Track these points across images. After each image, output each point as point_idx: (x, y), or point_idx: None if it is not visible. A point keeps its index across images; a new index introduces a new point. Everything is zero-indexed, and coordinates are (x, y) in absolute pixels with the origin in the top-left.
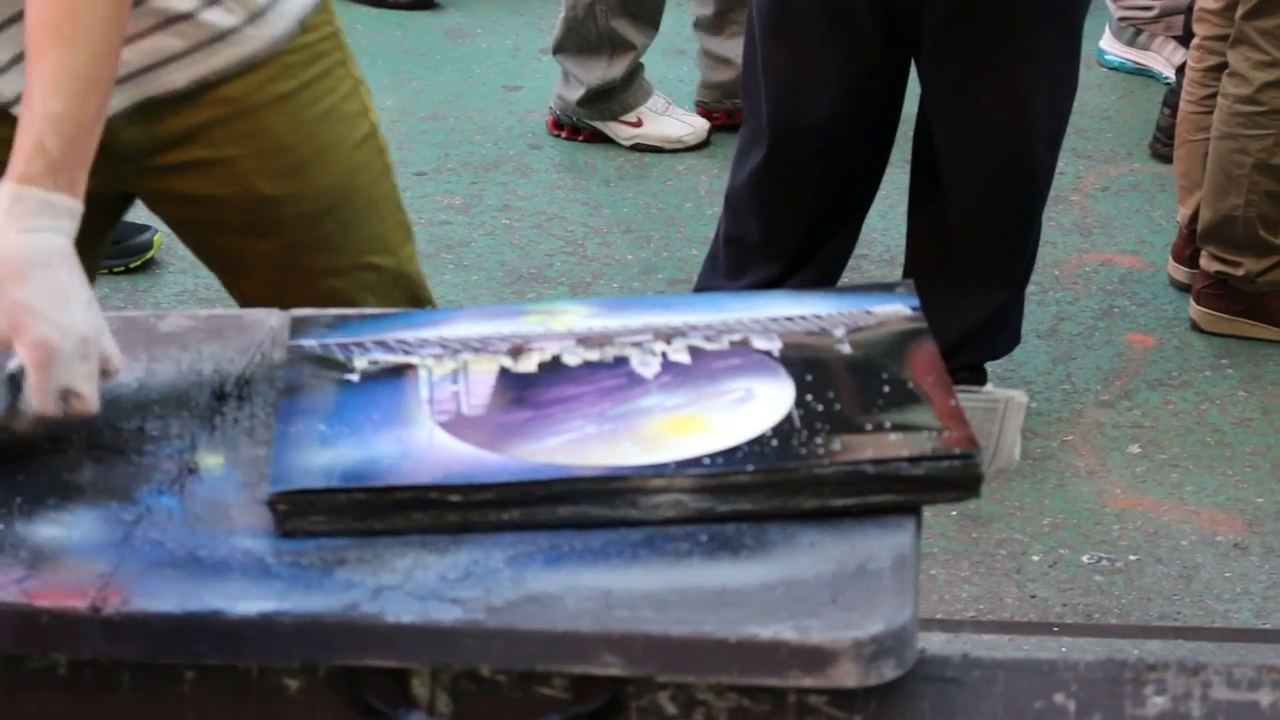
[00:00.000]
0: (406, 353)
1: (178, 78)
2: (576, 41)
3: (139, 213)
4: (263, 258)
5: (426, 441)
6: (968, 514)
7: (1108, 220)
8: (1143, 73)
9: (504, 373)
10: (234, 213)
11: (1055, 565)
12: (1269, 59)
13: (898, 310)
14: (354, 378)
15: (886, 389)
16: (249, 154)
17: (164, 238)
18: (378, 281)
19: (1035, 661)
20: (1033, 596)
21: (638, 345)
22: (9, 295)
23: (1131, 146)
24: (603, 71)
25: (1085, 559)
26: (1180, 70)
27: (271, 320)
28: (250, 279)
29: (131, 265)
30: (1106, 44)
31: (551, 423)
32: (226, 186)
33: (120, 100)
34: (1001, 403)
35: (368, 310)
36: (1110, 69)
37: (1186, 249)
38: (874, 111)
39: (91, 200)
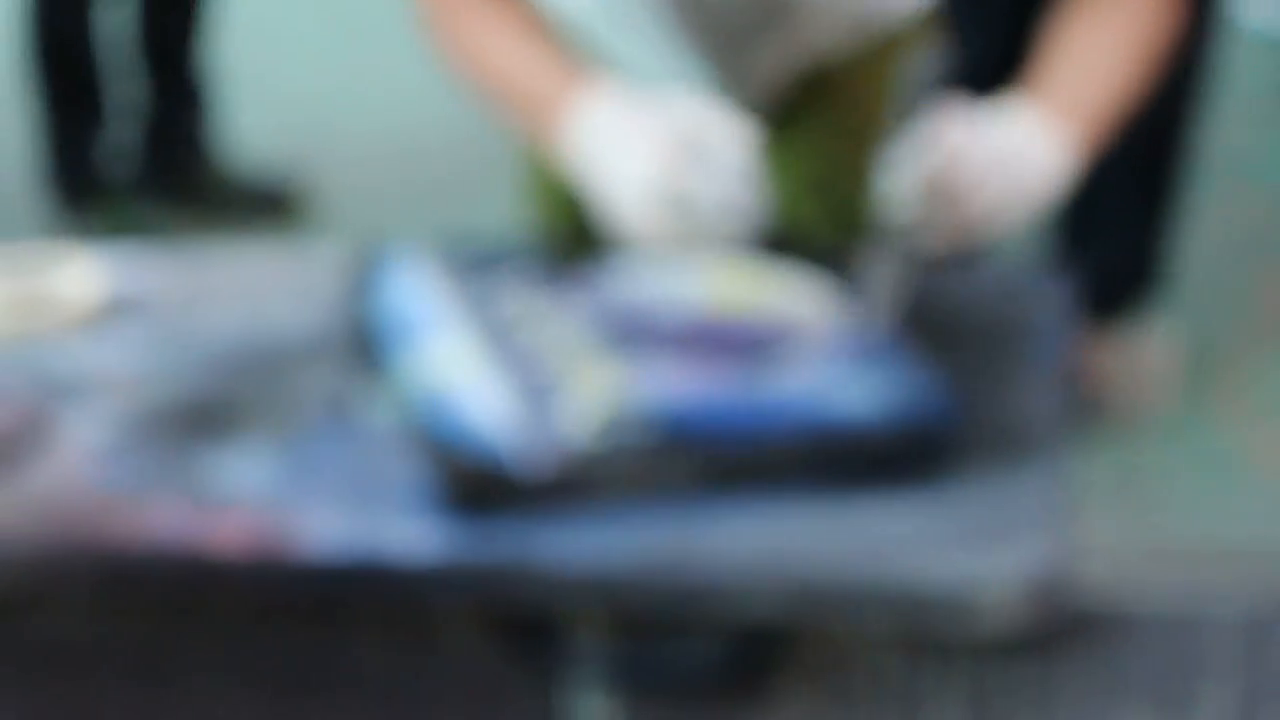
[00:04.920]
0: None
1: None
2: None
3: (295, 165)
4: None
5: None
6: (1111, 465)
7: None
8: None
9: None
10: (813, 196)
11: (1212, 512)
12: None
13: None
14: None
15: None
16: (837, 128)
17: (317, 190)
18: None
19: (1193, 613)
20: (1189, 547)
21: None
22: None
23: None
24: None
25: (1234, 507)
26: None
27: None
28: None
29: (285, 217)
30: None
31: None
32: (812, 162)
33: None
34: (1152, 348)
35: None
36: None
37: None
38: None
39: None
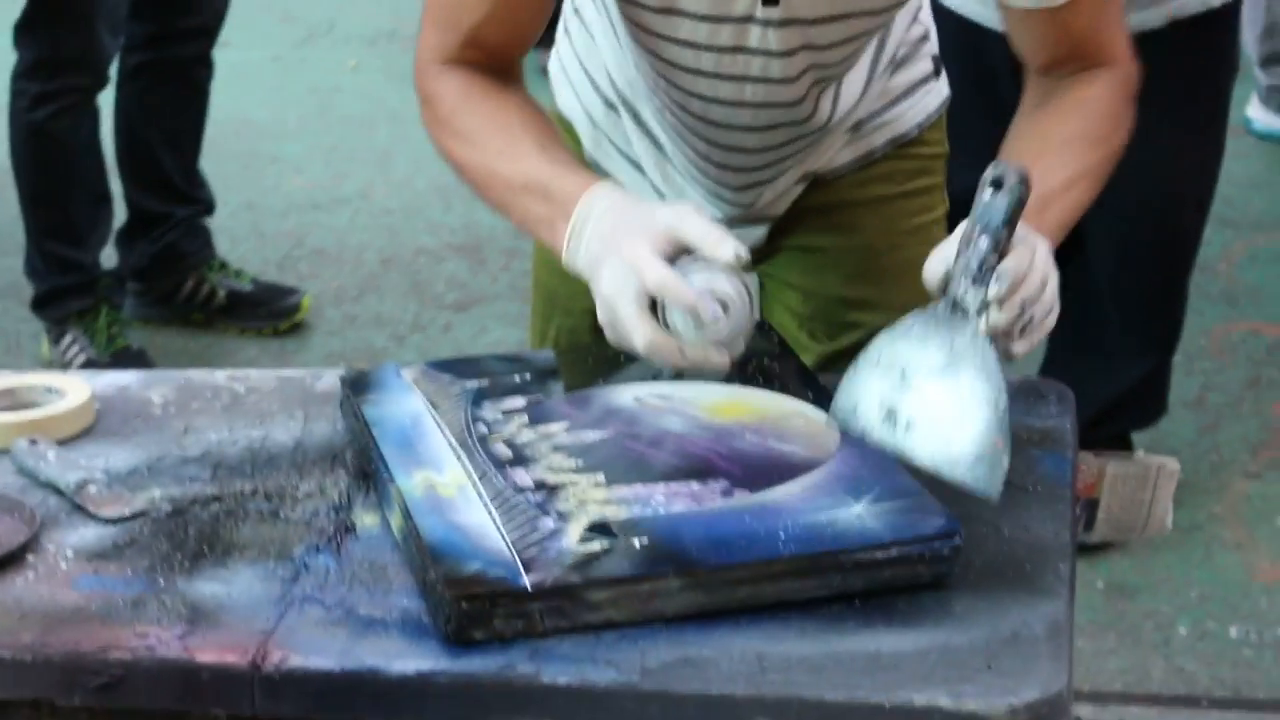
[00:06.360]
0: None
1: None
2: None
3: (287, 274)
4: (803, 350)
5: None
6: (1114, 585)
7: (1255, 289)
8: None
9: None
10: (805, 303)
11: (1203, 638)
12: None
13: None
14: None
15: None
16: (836, 248)
17: (312, 300)
18: None
19: None
20: (1180, 669)
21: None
22: None
23: (1279, 215)
24: None
25: (1233, 632)
26: None
27: None
28: None
29: (280, 327)
30: (1254, 112)
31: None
32: (807, 277)
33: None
34: (1154, 470)
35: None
36: (1258, 137)
37: None
38: None
39: None
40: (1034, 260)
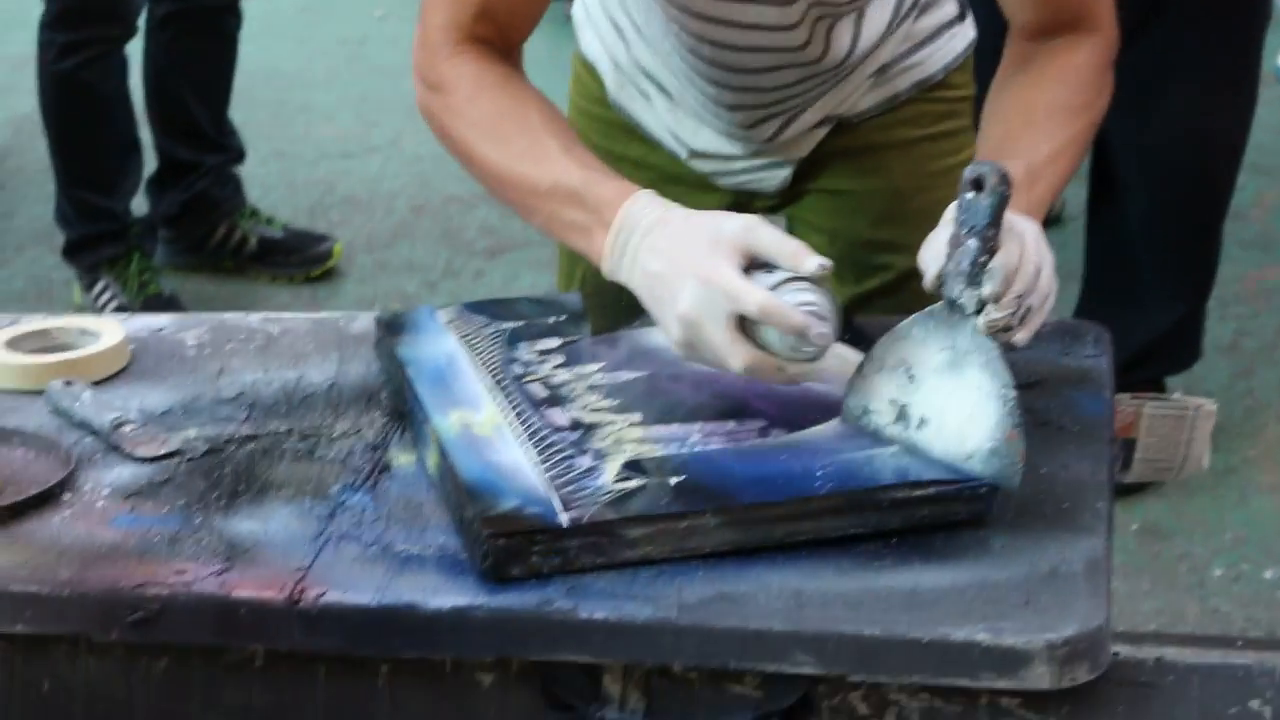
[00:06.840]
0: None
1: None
2: None
3: (319, 221)
4: None
5: None
6: (1148, 527)
7: None
8: None
9: None
10: (832, 246)
11: (1238, 580)
12: None
13: None
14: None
15: None
16: (863, 191)
17: (343, 247)
18: None
19: (1230, 668)
20: (1215, 611)
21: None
22: None
23: None
24: None
25: (1268, 574)
26: None
27: None
28: None
29: (312, 274)
30: None
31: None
32: (834, 220)
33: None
34: (1191, 410)
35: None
36: None
37: None
38: None
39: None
40: (1024, 251)
